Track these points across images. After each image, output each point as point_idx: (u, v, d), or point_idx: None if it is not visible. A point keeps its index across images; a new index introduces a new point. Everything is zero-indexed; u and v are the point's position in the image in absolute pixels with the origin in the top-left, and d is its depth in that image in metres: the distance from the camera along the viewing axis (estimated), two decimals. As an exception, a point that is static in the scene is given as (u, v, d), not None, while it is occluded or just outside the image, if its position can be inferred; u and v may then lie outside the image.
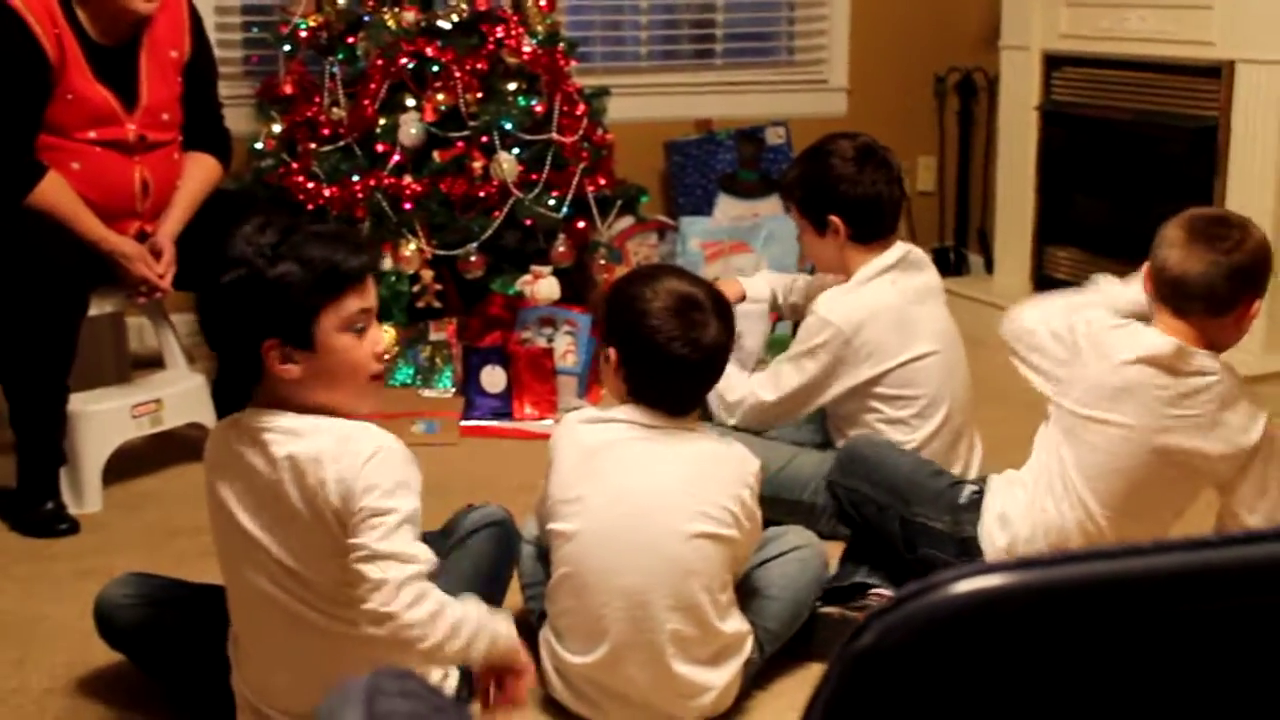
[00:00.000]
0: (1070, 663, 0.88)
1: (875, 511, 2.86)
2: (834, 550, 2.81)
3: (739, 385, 3.15)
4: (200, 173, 3.62)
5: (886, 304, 3.08)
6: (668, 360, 2.41)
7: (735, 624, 2.48)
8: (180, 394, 3.60)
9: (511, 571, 2.63)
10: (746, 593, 2.54)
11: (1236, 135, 4.16)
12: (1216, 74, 4.20)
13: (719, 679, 2.45)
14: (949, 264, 5.44)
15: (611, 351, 2.47)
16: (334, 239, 2.11)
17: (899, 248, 3.16)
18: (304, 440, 2.09)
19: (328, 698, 0.73)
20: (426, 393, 4.20)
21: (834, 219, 3.11)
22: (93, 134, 3.39)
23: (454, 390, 4.17)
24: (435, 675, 2.26)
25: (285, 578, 2.14)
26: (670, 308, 2.41)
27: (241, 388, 2.18)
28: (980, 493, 2.78)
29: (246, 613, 2.24)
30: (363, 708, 0.71)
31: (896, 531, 2.82)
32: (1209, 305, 2.56)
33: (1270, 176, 4.11)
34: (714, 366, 2.49)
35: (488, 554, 2.52)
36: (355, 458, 2.06)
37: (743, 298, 3.41)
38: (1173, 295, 2.59)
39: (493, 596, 2.49)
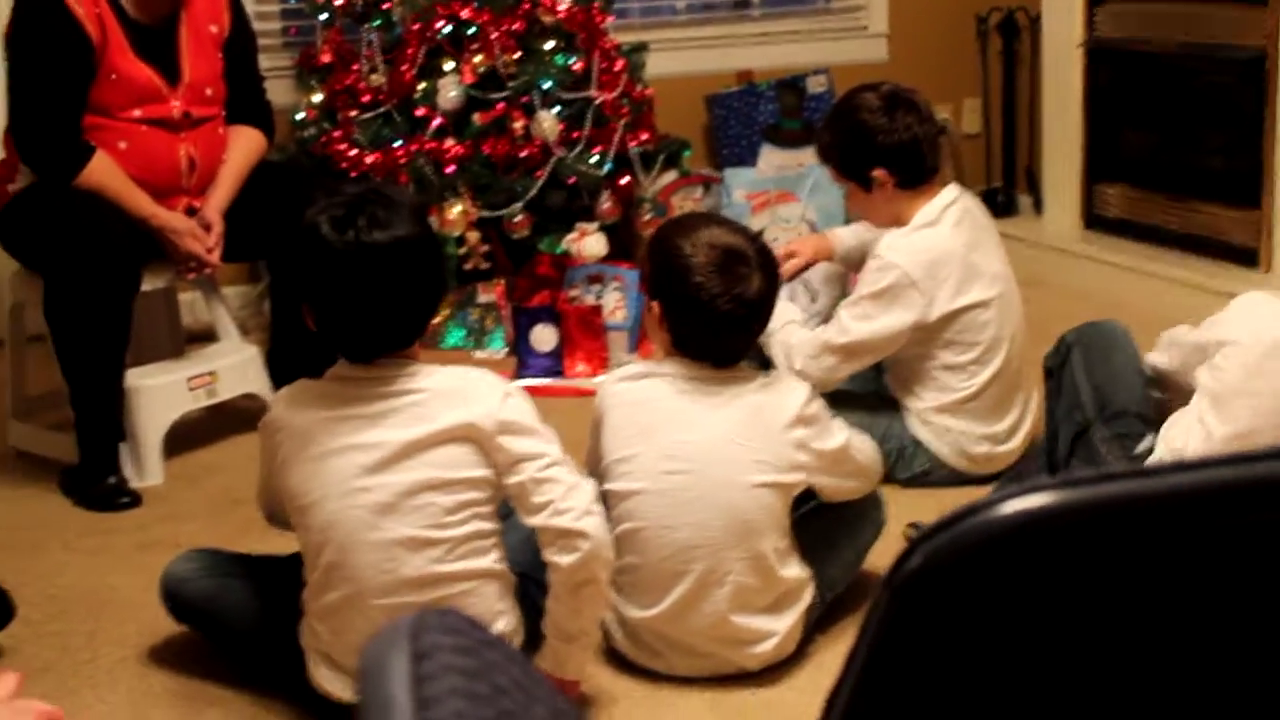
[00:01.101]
0: (1120, 581, 0.87)
1: (1072, 397, 2.89)
2: (889, 495, 2.80)
3: (806, 342, 3.12)
4: (245, 146, 3.64)
5: (946, 245, 3.06)
6: (712, 316, 2.41)
7: (795, 570, 2.48)
8: (234, 366, 3.63)
9: None
10: (806, 539, 2.54)
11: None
12: (1264, 1, 4.14)
13: (781, 626, 2.46)
14: (997, 206, 5.39)
15: (655, 305, 2.48)
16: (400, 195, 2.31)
17: (953, 189, 3.13)
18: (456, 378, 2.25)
19: (372, 638, 0.74)
20: (478, 354, 4.22)
21: (877, 173, 3.09)
22: (137, 112, 3.41)
23: (506, 351, 4.19)
24: (500, 626, 2.29)
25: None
26: (713, 262, 2.40)
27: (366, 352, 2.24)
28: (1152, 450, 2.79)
29: (353, 564, 2.22)
30: (408, 645, 0.71)
31: (1069, 435, 2.86)
32: None
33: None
34: (759, 318, 2.48)
35: None
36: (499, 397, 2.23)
37: (831, 256, 3.38)
38: None
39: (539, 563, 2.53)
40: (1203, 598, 0.88)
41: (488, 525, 2.26)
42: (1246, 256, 4.31)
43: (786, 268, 3.31)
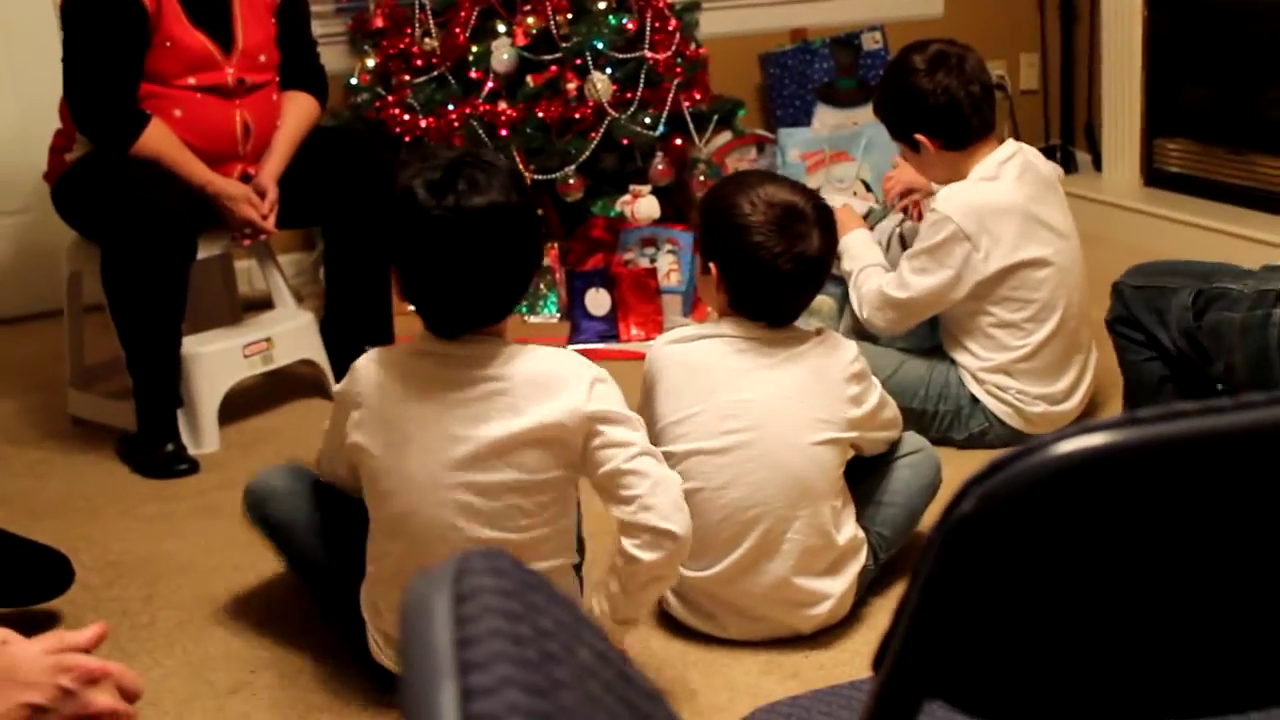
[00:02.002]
0: (1175, 520, 0.85)
1: (1166, 298, 2.78)
2: (946, 455, 2.77)
3: (873, 292, 3.12)
4: (299, 112, 3.64)
5: (1005, 199, 3.02)
6: (772, 275, 2.38)
7: (850, 531, 2.47)
8: (290, 332, 3.64)
9: None
10: (860, 499, 2.53)
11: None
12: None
13: (836, 588, 2.44)
14: (1057, 162, 5.31)
15: (713, 266, 2.44)
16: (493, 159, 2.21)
17: (1010, 144, 3.09)
18: (544, 364, 2.19)
19: (416, 578, 0.73)
20: (532, 319, 4.21)
21: (919, 136, 3.06)
22: (192, 80, 3.42)
23: (559, 315, 4.18)
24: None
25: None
26: (771, 221, 2.37)
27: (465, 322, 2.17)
28: None
29: (427, 561, 2.18)
30: (450, 586, 0.70)
31: (1186, 303, 2.72)
32: None
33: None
34: (818, 277, 2.46)
35: None
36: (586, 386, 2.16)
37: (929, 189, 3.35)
38: None
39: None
40: (1261, 533, 0.86)
41: (564, 522, 2.23)
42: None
43: (887, 188, 3.41)
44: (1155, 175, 4.87)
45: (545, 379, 2.14)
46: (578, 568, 2.37)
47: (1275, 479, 0.85)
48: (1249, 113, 4.57)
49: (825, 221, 2.42)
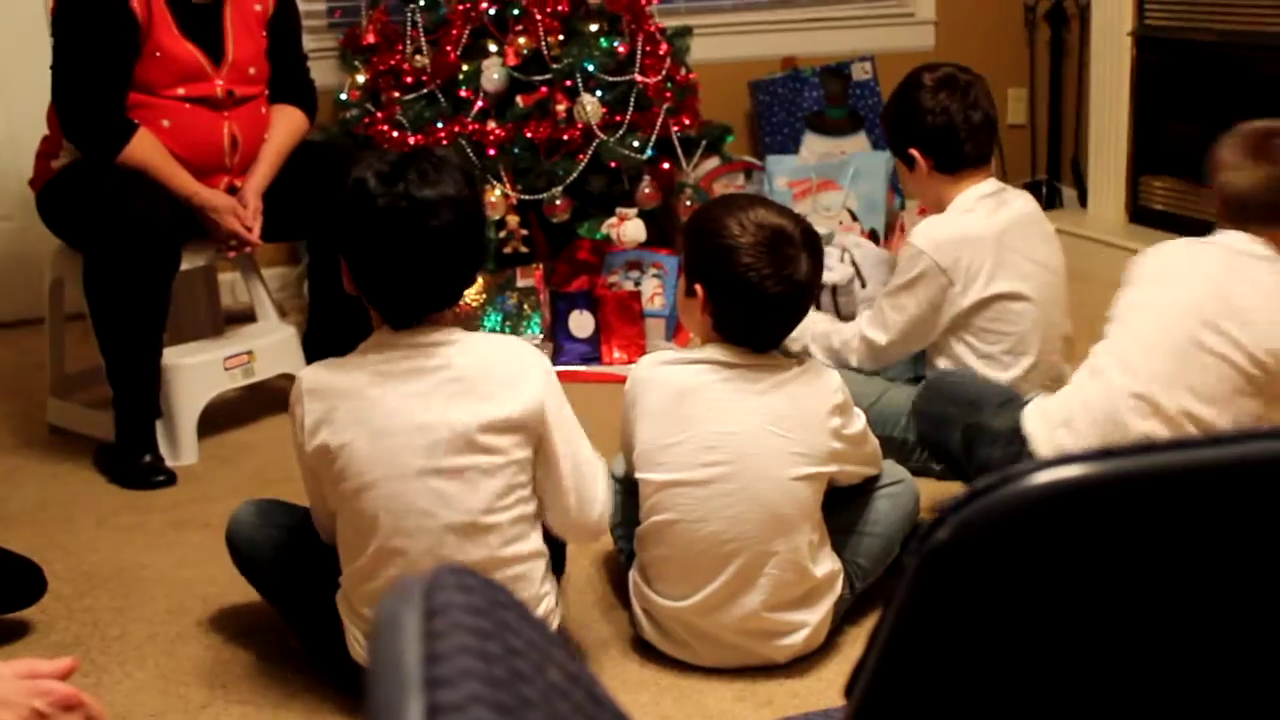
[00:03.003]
0: (1149, 552, 0.85)
1: (946, 425, 2.83)
2: (926, 487, 2.77)
3: (843, 330, 3.10)
4: (287, 126, 3.64)
5: (981, 231, 2.99)
6: (760, 299, 2.35)
7: (828, 565, 2.45)
8: (271, 345, 3.63)
9: None
10: (839, 528, 2.52)
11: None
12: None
13: (812, 618, 2.43)
14: (1042, 198, 5.34)
15: (699, 288, 2.41)
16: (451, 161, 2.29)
17: (993, 182, 3.08)
18: (504, 351, 2.29)
19: (385, 597, 0.73)
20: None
21: (913, 151, 3.06)
22: (181, 91, 3.41)
23: (543, 336, 4.18)
24: (542, 609, 2.29)
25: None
26: (761, 243, 2.34)
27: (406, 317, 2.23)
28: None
29: (406, 548, 2.21)
30: (420, 602, 0.70)
31: (959, 441, 2.79)
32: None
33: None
34: (804, 302, 2.44)
35: None
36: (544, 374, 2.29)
37: None
38: (1240, 214, 2.61)
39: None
40: (1236, 569, 0.85)
41: (532, 507, 2.27)
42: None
43: None
44: (1140, 212, 4.88)
45: (509, 368, 2.24)
46: (557, 573, 2.41)
47: (1249, 513, 0.85)
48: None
49: (813, 246, 2.41)
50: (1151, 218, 4.84)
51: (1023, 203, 3.12)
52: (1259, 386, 2.57)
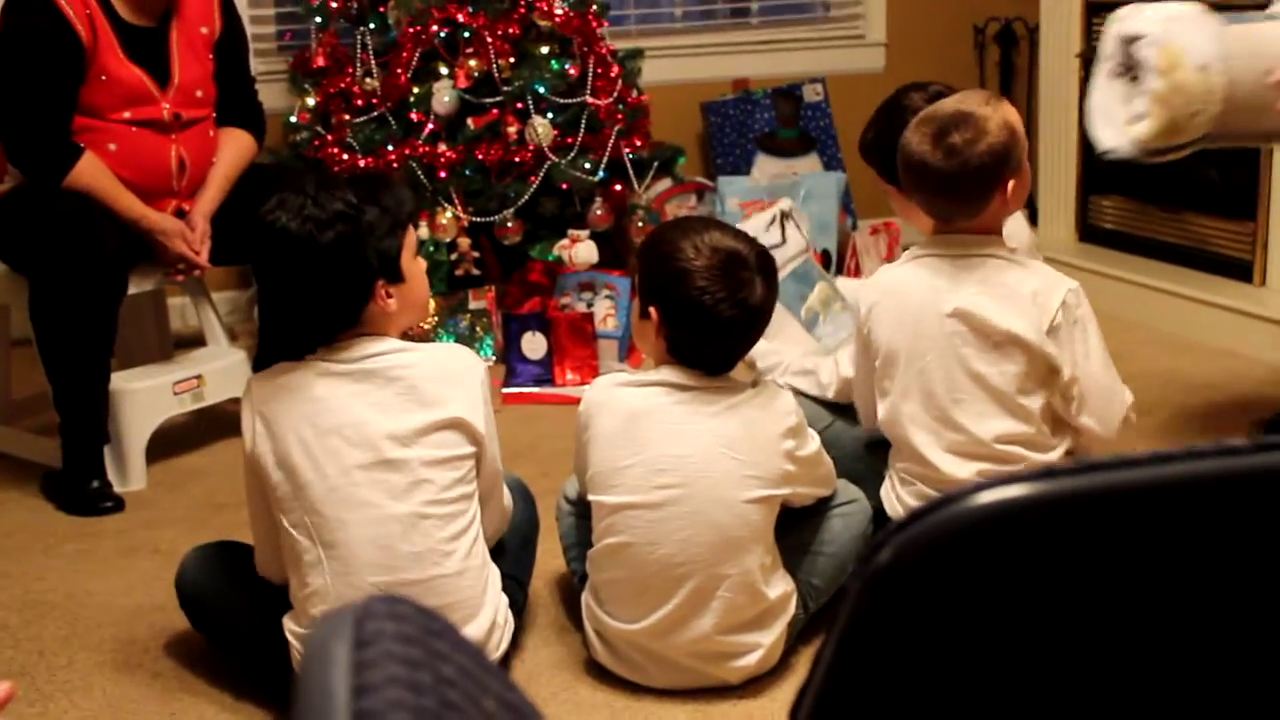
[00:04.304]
0: (1093, 573, 0.85)
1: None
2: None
3: (823, 366, 2.98)
4: (235, 148, 3.61)
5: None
6: (714, 322, 2.34)
7: (781, 586, 2.45)
8: (221, 370, 3.60)
9: (535, 538, 2.64)
10: (792, 548, 2.51)
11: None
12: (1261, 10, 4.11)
13: (765, 640, 2.42)
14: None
15: (653, 311, 2.39)
16: (374, 182, 2.37)
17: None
18: (433, 353, 2.34)
19: (316, 624, 0.71)
20: (468, 361, 4.18)
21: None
22: (127, 114, 3.38)
23: (495, 358, 4.16)
24: (492, 644, 2.29)
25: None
26: (715, 266, 2.32)
27: (320, 338, 2.30)
28: None
29: (348, 544, 2.24)
30: (351, 631, 0.68)
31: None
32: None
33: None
34: (759, 325, 2.42)
35: (514, 524, 2.56)
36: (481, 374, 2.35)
37: None
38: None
39: (522, 564, 2.55)
40: (1178, 589, 0.85)
41: (473, 504, 2.32)
42: (1240, 270, 4.29)
43: None
44: (1090, 231, 4.91)
45: (447, 369, 2.30)
46: (519, 581, 2.47)
47: (1191, 532, 0.85)
48: (1183, 172, 4.61)
49: (767, 270, 2.39)
50: (1101, 237, 4.86)
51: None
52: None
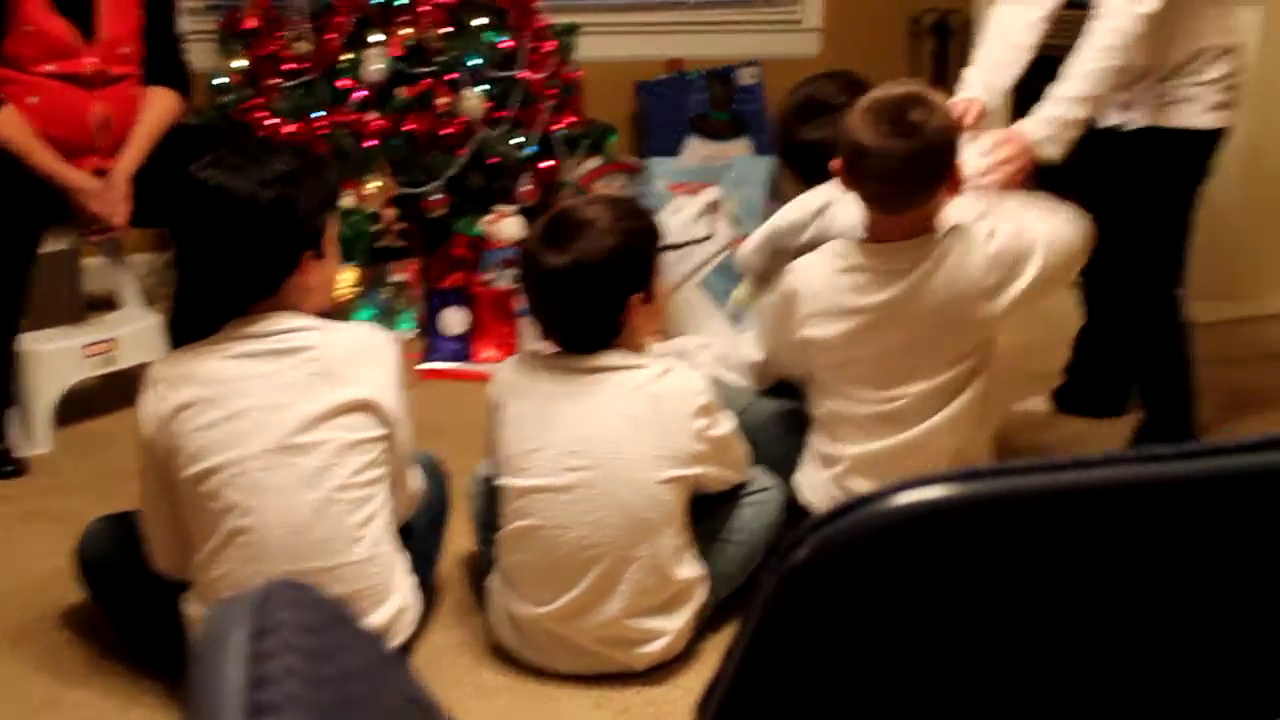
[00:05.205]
0: (1011, 574, 0.84)
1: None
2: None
3: (737, 353, 2.94)
4: (159, 107, 3.55)
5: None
6: (538, 282, 2.38)
7: (690, 570, 2.43)
8: (135, 334, 3.54)
9: (445, 517, 2.61)
10: (702, 535, 2.49)
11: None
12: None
13: (672, 625, 2.41)
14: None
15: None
16: (312, 156, 2.40)
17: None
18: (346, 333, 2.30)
19: (214, 609, 0.69)
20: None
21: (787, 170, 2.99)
22: (50, 67, 3.32)
23: (416, 332, 4.11)
24: (398, 628, 2.26)
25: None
26: (545, 228, 2.37)
27: (229, 310, 2.25)
28: None
29: (258, 528, 2.19)
30: (250, 619, 0.66)
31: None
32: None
33: (1244, 109, 4.07)
34: (581, 286, 2.34)
35: (424, 503, 2.53)
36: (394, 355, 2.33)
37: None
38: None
39: (431, 544, 2.51)
40: (1095, 592, 0.85)
41: (384, 487, 2.28)
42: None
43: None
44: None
45: (360, 350, 2.26)
46: (426, 572, 2.46)
47: (1111, 537, 0.84)
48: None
49: (595, 232, 2.33)
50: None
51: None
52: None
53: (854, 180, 2.51)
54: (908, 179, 2.47)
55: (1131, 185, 3.04)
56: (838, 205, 2.74)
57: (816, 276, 2.60)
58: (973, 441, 2.61)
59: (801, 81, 3.08)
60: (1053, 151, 2.81)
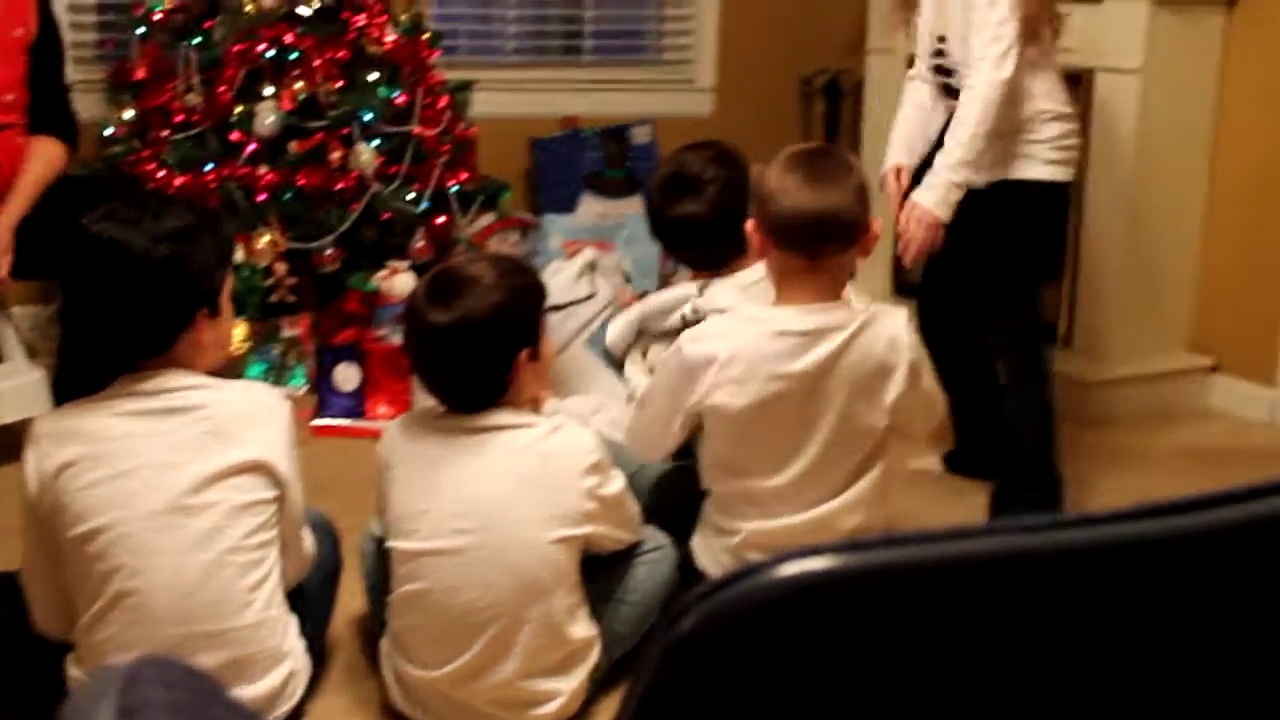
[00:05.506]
0: (898, 647, 0.84)
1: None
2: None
3: (627, 410, 2.93)
4: (44, 157, 3.50)
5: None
6: (419, 345, 2.37)
7: (584, 630, 2.42)
8: (18, 388, 3.47)
9: (337, 577, 2.58)
10: (596, 595, 2.48)
11: (1094, 137, 4.21)
12: (1076, 81, 4.24)
13: (566, 686, 2.40)
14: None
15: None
16: (209, 213, 2.35)
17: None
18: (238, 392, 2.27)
19: (80, 688, 0.67)
20: (278, 391, 4.09)
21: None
22: (-68, 116, 3.27)
23: (306, 388, 4.07)
24: (288, 693, 2.23)
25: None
26: (426, 288, 2.37)
27: (114, 369, 2.22)
28: None
29: (146, 591, 2.14)
30: (116, 698, 0.65)
31: None
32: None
33: (1125, 173, 4.18)
34: (466, 343, 2.33)
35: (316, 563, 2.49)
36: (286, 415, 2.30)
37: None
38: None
39: (322, 606, 2.48)
40: (980, 668, 0.85)
41: (274, 551, 2.24)
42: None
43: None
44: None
45: (252, 410, 2.23)
46: (314, 620, 2.39)
47: (990, 610, 0.85)
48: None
49: (464, 292, 2.33)
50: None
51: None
52: None
53: (770, 232, 2.50)
54: (826, 226, 2.46)
55: (985, 235, 3.30)
56: (716, 288, 2.78)
57: (738, 341, 2.52)
58: (875, 520, 2.59)
59: (672, 154, 3.12)
60: (947, 215, 3.18)
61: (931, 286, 3.66)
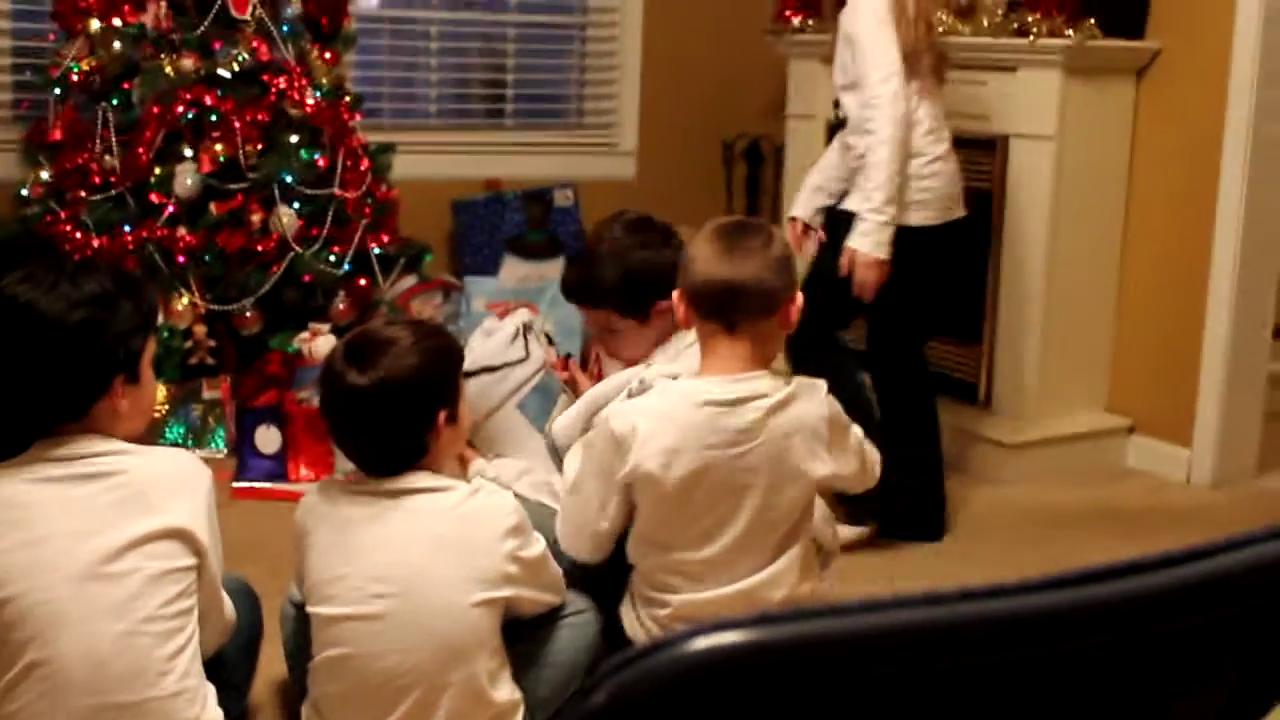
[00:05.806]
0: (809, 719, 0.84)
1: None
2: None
3: (556, 477, 2.88)
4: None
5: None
6: (336, 405, 2.36)
7: (507, 693, 2.40)
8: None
9: (258, 643, 2.55)
10: (519, 658, 2.46)
11: (1010, 202, 4.28)
12: (991, 147, 4.32)
13: (489, 751, 2.37)
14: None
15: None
16: (129, 278, 2.28)
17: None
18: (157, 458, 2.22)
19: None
20: (198, 453, 4.05)
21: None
22: None
23: (226, 451, 4.04)
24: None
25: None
26: (343, 346, 2.37)
27: (33, 434, 2.16)
28: None
29: (59, 660, 2.09)
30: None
31: None
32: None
33: (1041, 237, 4.25)
34: (385, 405, 2.32)
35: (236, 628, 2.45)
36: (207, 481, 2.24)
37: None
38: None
39: (242, 672, 2.45)
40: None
41: (193, 619, 2.19)
42: (966, 391, 4.45)
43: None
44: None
45: (171, 477, 2.19)
46: (236, 688, 2.36)
47: (900, 682, 0.85)
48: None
49: (382, 354, 2.31)
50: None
51: None
52: None
53: (689, 300, 2.50)
54: (738, 294, 2.45)
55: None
56: (657, 366, 2.77)
57: (664, 410, 2.49)
58: (804, 590, 2.57)
59: (596, 225, 3.12)
60: (885, 253, 3.48)
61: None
